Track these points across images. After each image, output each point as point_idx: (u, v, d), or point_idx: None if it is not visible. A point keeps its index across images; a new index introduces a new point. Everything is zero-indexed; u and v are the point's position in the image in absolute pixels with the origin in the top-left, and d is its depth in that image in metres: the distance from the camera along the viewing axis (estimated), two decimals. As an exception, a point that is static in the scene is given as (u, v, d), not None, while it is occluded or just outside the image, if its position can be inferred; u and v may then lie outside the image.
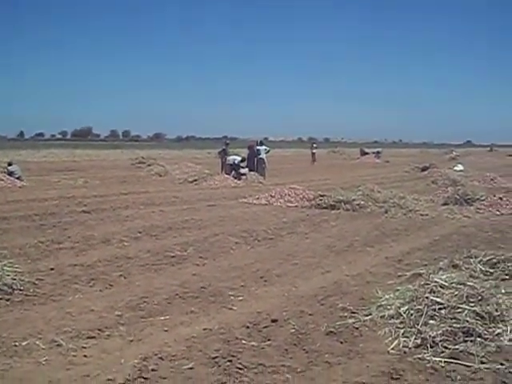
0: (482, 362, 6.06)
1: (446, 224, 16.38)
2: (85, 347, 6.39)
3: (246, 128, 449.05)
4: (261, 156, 31.78)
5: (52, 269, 9.94)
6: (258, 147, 32.26)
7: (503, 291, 7.91)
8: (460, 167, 42.23)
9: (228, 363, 5.96)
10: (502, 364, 6.02)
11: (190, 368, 5.84)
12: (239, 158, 30.37)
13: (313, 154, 57.35)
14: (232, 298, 8.47)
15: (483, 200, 19.91)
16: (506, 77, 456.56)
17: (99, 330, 6.95)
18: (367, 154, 65.84)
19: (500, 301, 7.29)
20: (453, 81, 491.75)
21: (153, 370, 5.77)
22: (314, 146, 60.64)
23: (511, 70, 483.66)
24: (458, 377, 5.72)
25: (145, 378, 5.57)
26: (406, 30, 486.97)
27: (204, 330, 6.99)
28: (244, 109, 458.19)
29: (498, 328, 6.79)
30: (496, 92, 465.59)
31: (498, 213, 18.43)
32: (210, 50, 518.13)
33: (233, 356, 6.15)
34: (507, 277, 9.39)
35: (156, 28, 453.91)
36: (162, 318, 7.47)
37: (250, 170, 30.44)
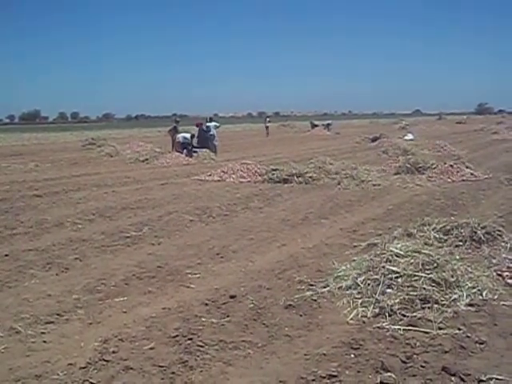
0: (440, 328, 6.19)
1: (399, 193, 16.59)
2: (44, 333, 6.35)
3: (195, 105, 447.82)
4: (211, 132, 31.64)
5: (6, 255, 9.83)
6: (208, 124, 32.10)
7: (458, 257, 8.10)
8: (410, 136, 42.74)
9: (189, 341, 5.98)
10: (459, 329, 6.17)
11: (151, 348, 5.85)
12: (189, 135, 30.20)
13: (267, 127, 59.93)
14: (189, 275, 8.48)
15: (434, 168, 20.22)
16: (452, 45, 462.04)
17: (57, 314, 6.91)
18: (317, 126, 66.10)
19: (455, 267, 7.45)
20: (400, 50, 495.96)
21: (113, 352, 5.77)
22: (268, 120, 63.95)
23: (458, 37, 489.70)
24: (417, 343, 5.84)
25: (106, 361, 5.56)
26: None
27: (163, 309, 7.01)
28: (193, 86, 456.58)
29: (454, 294, 6.94)
30: (443, 60, 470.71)
31: (449, 180, 18.79)
32: (157, 30, 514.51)
33: (193, 334, 6.17)
34: (461, 243, 9.57)
35: (103, 9, 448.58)
36: (121, 299, 7.46)
37: (202, 147, 30.31)
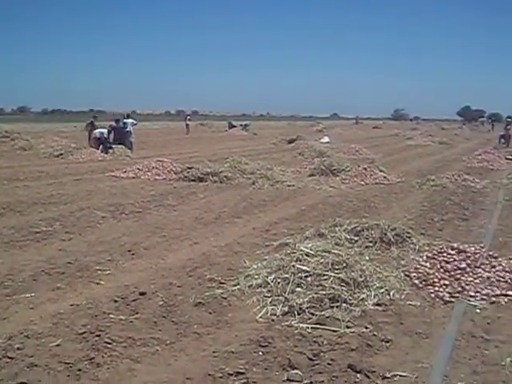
0: (348, 327, 6.32)
1: (313, 194, 16.77)
2: None
3: (112, 101, 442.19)
4: (128, 129, 31.32)
5: None
6: (125, 120, 31.79)
7: (367, 258, 8.27)
8: (326, 139, 43.31)
9: (96, 338, 5.92)
10: (366, 328, 6.32)
11: (57, 345, 5.76)
12: (106, 131, 29.83)
13: (187, 125, 61.74)
14: (99, 272, 8.38)
15: (348, 171, 20.64)
16: (369, 50, 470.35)
17: (-39, 310, 6.74)
18: (235, 126, 66.32)
19: (364, 267, 7.60)
20: (318, 54, 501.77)
21: (18, 348, 5.65)
22: (188, 118, 65.95)
23: (375, 43, 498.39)
24: (325, 341, 5.94)
25: (10, 358, 5.44)
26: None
27: (71, 305, 6.90)
28: (110, 82, 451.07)
29: (363, 293, 7.09)
30: (360, 65, 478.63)
31: (362, 183, 19.18)
32: (77, 21, 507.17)
33: (101, 331, 6.11)
34: (371, 244, 9.76)
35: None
36: (28, 295, 7.31)
37: (118, 144, 29.96)
